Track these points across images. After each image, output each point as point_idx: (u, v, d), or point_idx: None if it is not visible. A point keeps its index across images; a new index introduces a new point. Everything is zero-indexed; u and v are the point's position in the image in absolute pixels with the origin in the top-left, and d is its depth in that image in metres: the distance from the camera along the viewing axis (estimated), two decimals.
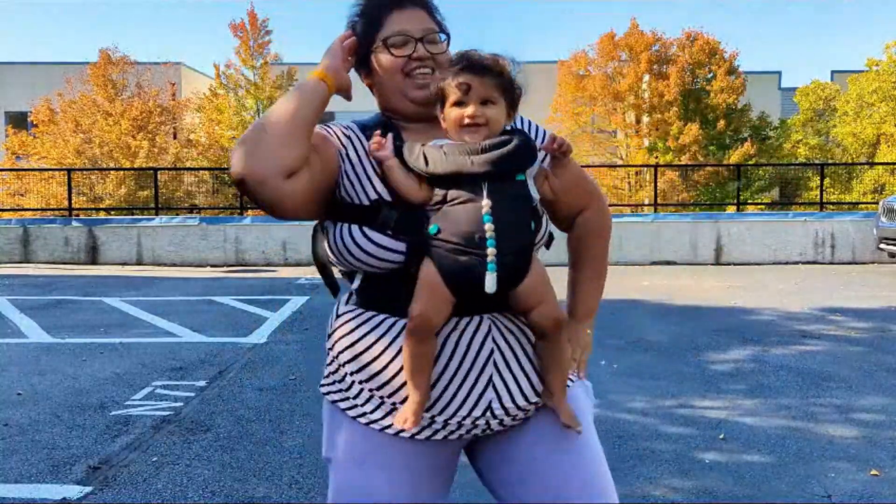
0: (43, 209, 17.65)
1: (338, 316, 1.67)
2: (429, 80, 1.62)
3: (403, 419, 1.52)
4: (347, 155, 1.62)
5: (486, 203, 1.47)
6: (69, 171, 16.18)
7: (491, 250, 1.47)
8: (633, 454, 3.88)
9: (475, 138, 1.53)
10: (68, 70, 24.10)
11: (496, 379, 1.55)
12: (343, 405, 1.63)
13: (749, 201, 21.47)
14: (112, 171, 19.79)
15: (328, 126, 1.67)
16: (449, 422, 1.56)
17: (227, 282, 11.45)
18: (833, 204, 18.56)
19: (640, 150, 25.30)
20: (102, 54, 23.32)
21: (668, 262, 14.07)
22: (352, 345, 1.60)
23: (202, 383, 5.31)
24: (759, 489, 3.45)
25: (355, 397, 1.61)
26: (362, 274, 1.61)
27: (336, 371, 1.65)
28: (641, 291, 9.74)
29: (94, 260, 14.40)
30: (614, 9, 56.44)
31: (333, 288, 1.75)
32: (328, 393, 1.67)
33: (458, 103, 1.54)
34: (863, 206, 17.97)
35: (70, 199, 15.79)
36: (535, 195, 1.57)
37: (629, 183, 23.86)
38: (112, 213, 18.22)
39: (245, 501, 3.35)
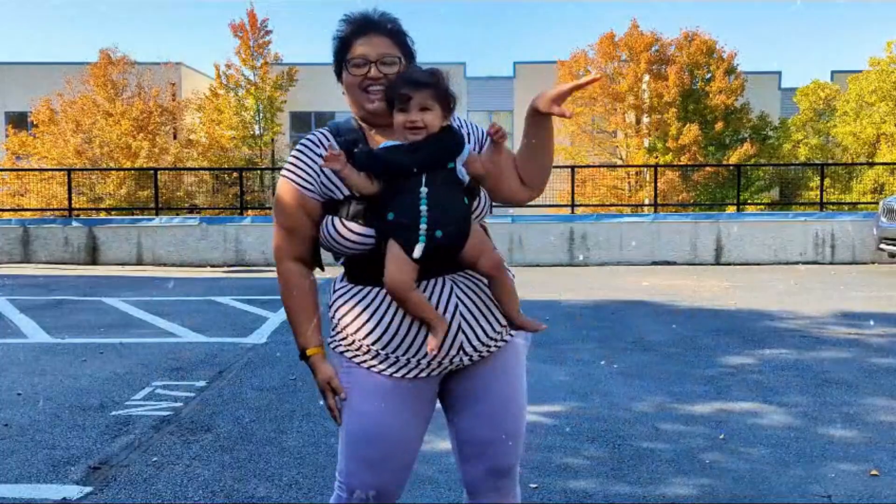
0: (43, 209, 17.65)
1: (334, 291, 2.10)
2: (380, 96, 2.00)
3: (432, 347, 1.94)
4: (321, 170, 2.02)
5: (423, 190, 1.91)
6: (69, 171, 16.18)
7: (422, 227, 1.89)
8: (633, 454, 3.88)
9: (416, 138, 1.94)
10: (68, 70, 24.04)
11: (464, 325, 2.01)
12: (349, 355, 2.07)
13: (749, 201, 21.46)
14: (112, 171, 19.78)
15: (297, 166, 2.05)
16: (431, 362, 2.02)
17: (227, 282, 11.45)
18: (833, 204, 18.53)
19: (639, 151, 25.29)
20: (102, 54, 23.28)
21: (668, 262, 14.07)
22: (348, 312, 2.04)
23: (202, 383, 5.31)
24: (759, 489, 3.45)
25: (357, 349, 2.05)
26: (346, 257, 2.04)
27: (340, 332, 2.07)
28: (641, 292, 9.72)
29: (94, 260, 14.41)
30: (614, 9, 56.44)
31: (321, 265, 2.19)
32: (336, 347, 2.10)
33: (402, 110, 1.94)
34: (863, 206, 17.96)
35: (70, 199, 15.79)
36: (465, 177, 1.97)
37: (629, 183, 23.87)
38: (112, 213, 18.22)
39: (245, 501, 3.35)
